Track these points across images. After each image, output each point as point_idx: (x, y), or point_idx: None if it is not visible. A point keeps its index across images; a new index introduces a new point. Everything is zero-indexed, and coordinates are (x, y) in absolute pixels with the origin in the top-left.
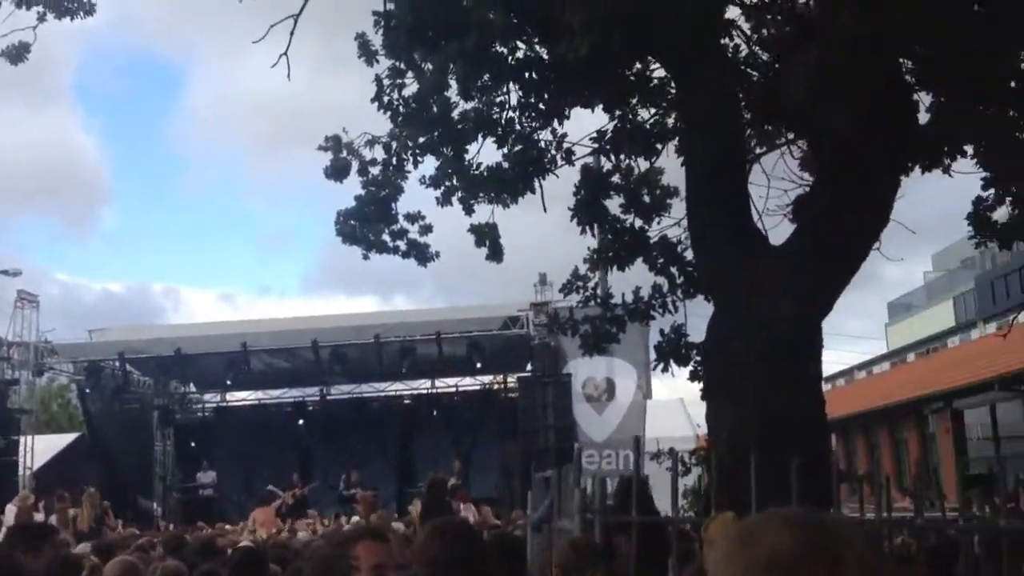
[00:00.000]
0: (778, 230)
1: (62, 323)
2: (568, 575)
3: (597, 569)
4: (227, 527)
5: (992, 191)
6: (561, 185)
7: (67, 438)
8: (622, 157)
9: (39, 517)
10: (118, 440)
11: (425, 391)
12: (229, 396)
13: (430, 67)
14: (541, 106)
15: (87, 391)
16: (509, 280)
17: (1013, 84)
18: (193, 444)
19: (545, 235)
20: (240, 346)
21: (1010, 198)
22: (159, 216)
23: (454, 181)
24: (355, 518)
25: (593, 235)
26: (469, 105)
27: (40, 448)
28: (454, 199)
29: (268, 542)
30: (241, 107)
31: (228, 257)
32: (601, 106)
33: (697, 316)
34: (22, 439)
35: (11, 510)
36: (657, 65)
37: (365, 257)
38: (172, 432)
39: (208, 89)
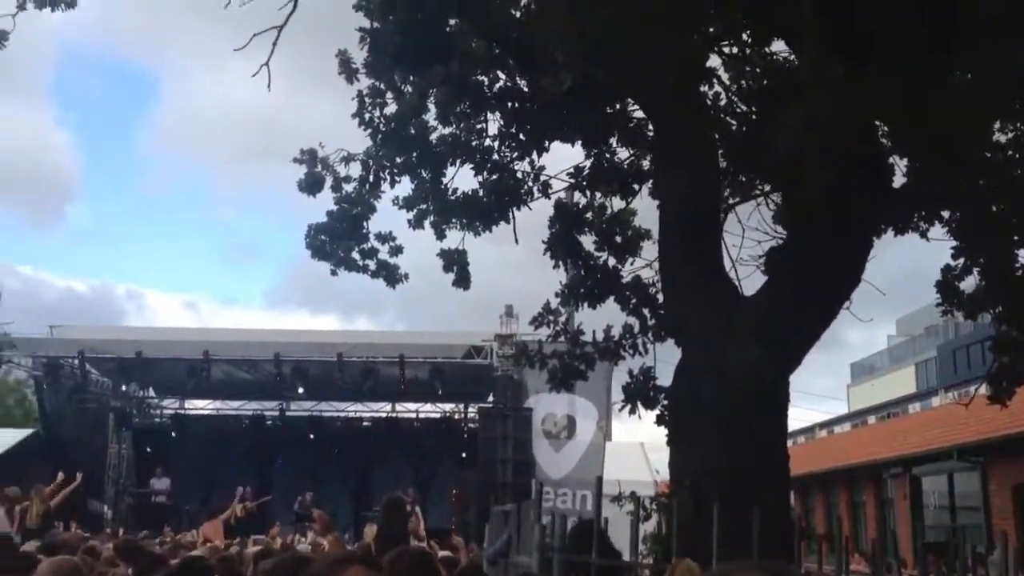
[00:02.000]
0: (750, 281)
1: (22, 317)
2: None
3: None
4: (177, 537)
5: (961, 260)
6: (534, 217)
7: (20, 433)
8: (598, 194)
9: None
10: (73, 439)
11: (385, 415)
12: (188, 404)
13: (410, 90)
14: (521, 136)
15: (44, 387)
16: (473, 309)
17: (987, 155)
18: (149, 449)
19: (513, 266)
20: (202, 354)
21: (978, 269)
22: (127, 218)
23: (428, 204)
24: (310, 535)
25: (566, 270)
26: (447, 130)
27: None
28: (426, 223)
29: (215, 556)
30: (216, 117)
31: (194, 264)
32: (580, 141)
33: (666, 361)
34: None
35: None
36: (637, 106)
37: (333, 273)
38: (129, 435)
39: (184, 98)
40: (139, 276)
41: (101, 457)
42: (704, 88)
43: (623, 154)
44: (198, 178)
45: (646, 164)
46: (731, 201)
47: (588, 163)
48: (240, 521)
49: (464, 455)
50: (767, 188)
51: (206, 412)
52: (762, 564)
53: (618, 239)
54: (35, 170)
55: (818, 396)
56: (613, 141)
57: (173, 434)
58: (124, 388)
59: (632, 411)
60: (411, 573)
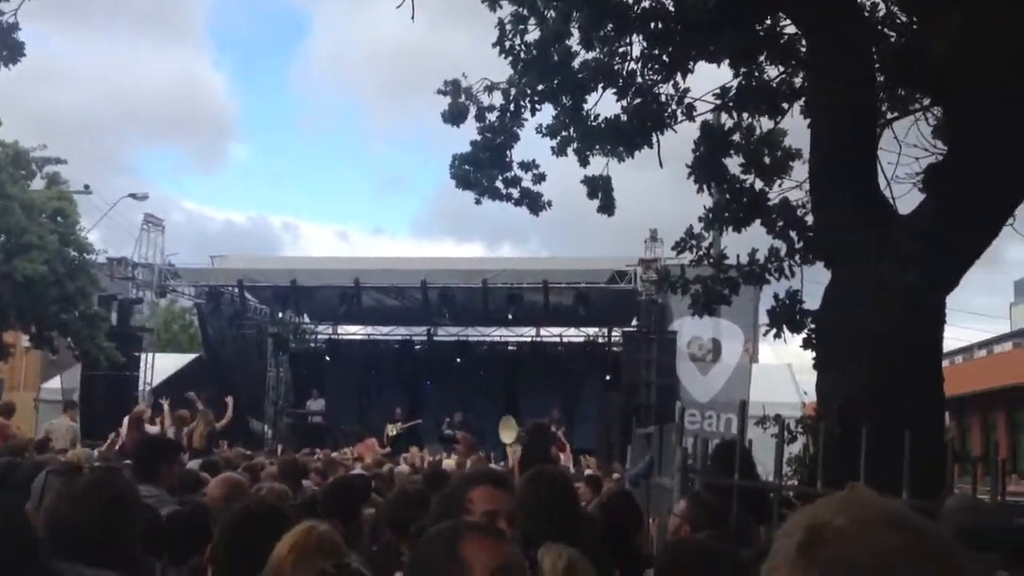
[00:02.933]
0: (906, 199)
1: (186, 249)
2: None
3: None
4: (334, 454)
5: None
6: (679, 140)
7: (186, 358)
8: (745, 115)
9: (153, 430)
10: (233, 363)
11: (530, 339)
12: (340, 329)
13: (552, 14)
14: (664, 59)
15: (206, 314)
16: (617, 235)
17: None
18: (305, 373)
19: (657, 191)
20: (352, 282)
21: None
22: (282, 153)
23: (571, 131)
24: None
25: (710, 194)
26: (590, 55)
27: (160, 366)
28: (569, 149)
29: (370, 473)
30: (362, 53)
31: (345, 196)
32: (727, 61)
33: (814, 283)
34: (143, 356)
35: (127, 423)
36: (787, 21)
37: (477, 202)
38: (286, 359)
39: (332, 35)
40: (294, 208)
41: (260, 380)
42: None
43: (772, 72)
44: (347, 113)
45: (797, 82)
46: (888, 116)
47: (735, 83)
48: (392, 441)
49: (608, 378)
50: (926, 102)
51: (358, 337)
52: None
53: (767, 160)
54: (196, 110)
55: (978, 315)
56: (762, 59)
57: (327, 358)
58: (280, 315)
59: (778, 335)
60: (548, 492)
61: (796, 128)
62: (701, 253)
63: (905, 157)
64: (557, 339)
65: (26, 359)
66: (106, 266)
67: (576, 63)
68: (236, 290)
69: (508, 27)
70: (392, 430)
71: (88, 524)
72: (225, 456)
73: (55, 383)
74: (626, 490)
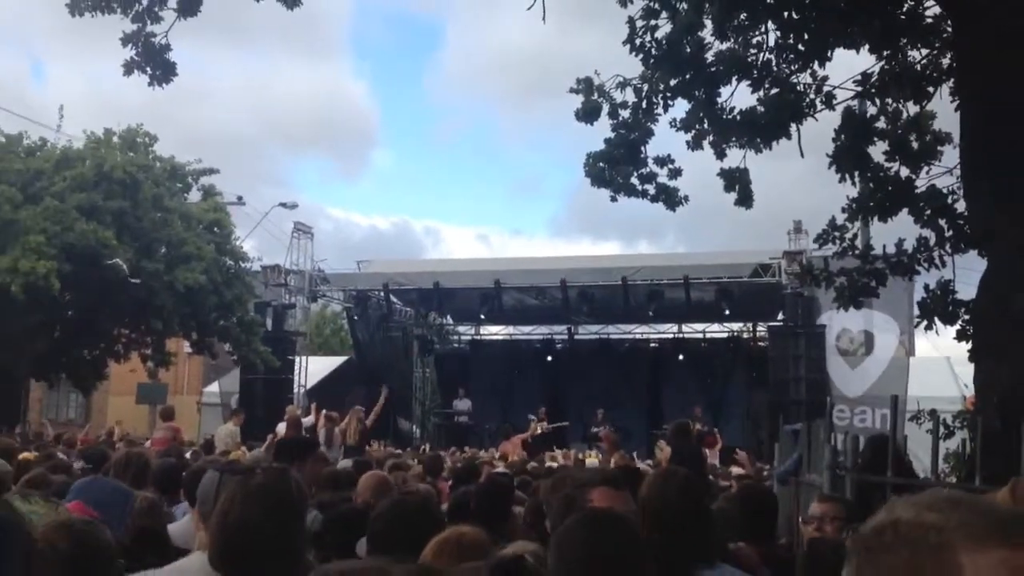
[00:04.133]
0: None
1: (333, 255)
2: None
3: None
4: (480, 453)
5: None
6: (817, 129)
7: (337, 360)
8: (888, 101)
9: (308, 423)
10: (382, 365)
11: (672, 335)
12: (483, 329)
13: (685, 6)
14: (800, 47)
15: (355, 318)
16: (756, 228)
17: None
18: (450, 373)
19: (800, 181)
20: (493, 283)
21: None
22: (422, 159)
23: (705, 125)
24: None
25: (853, 183)
26: (724, 46)
27: (313, 368)
28: (705, 143)
29: (514, 470)
30: (494, 58)
31: (483, 199)
32: (867, 46)
33: (966, 271)
34: (297, 359)
35: (282, 426)
36: (931, 2)
37: (613, 199)
38: (431, 360)
39: (466, 40)
40: (434, 212)
41: (408, 380)
42: None
43: (915, 55)
44: (482, 118)
45: (945, 62)
46: None
47: (877, 68)
48: (537, 439)
49: (754, 374)
50: None
51: (500, 337)
52: None
53: (914, 145)
54: (339, 120)
55: None
56: (904, 42)
57: (471, 358)
58: (425, 317)
59: (929, 327)
60: (677, 490)
61: (945, 110)
62: (845, 245)
63: None
64: (700, 335)
65: (189, 364)
66: (260, 274)
67: (709, 55)
68: (382, 294)
69: (639, 23)
70: (538, 428)
71: (259, 525)
72: (374, 455)
73: (215, 387)
74: (761, 485)
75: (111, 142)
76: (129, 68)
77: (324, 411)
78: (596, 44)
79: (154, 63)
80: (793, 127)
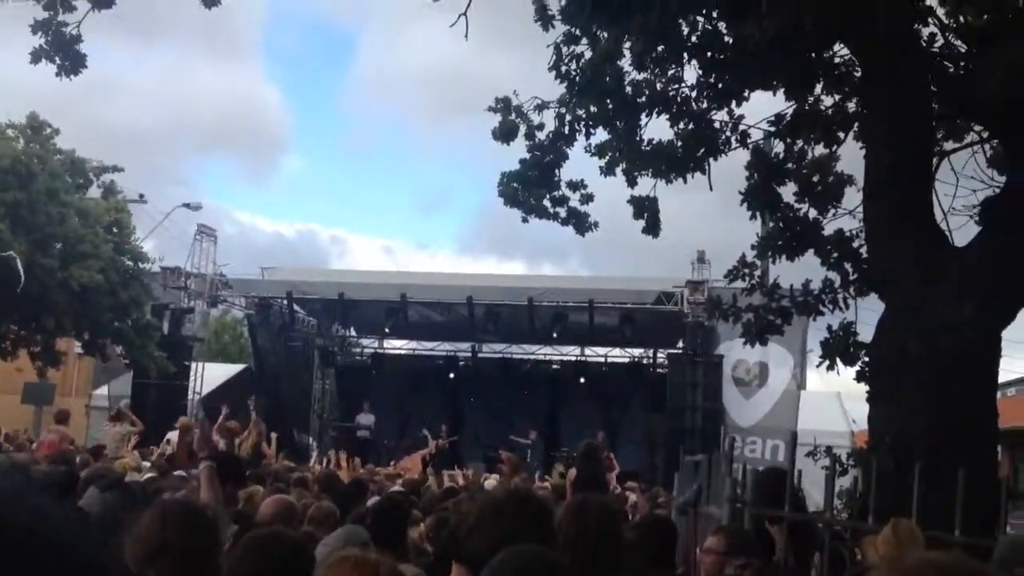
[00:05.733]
0: (963, 232)
1: (237, 260)
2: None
3: (752, 560)
4: (377, 469)
5: None
6: (728, 164)
7: (234, 368)
8: (799, 142)
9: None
10: (281, 375)
11: (574, 358)
12: (386, 343)
13: (605, 35)
14: (719, 86)
15: (256, 326)
16: (661, 256)
17: None
18: (350, 386)
19: (704, 213)
20: (399, 296)
21: None
22: (331, 167)
23: (618, 154)
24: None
25: (763, 221)
26: (641, 76)
27: (209, 375)
28: (618, 169)
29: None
30: (410, 72)
31: (392, 211)
32: (783, 89)
33: (869, 309)
34: (193, 365)
35: (173, 434)
36: (841, 47)
37: (524, 220)
38: (332, 373)
39: (382, 52)
40: (342, 221)
41: (307, 392)
42: (918, 27)
43: (827, 100)
44: (395, 130)
45: (851, 106)
46: (945, 147)
47: (789, 110)
48: (435, 457)
49: (653, 400)
50: (984, 134)
51: (403, 352)
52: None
53: (818, 187)
54: (249, 124)
55: None
56: (818, 88)
57: (373, 372)
58: (328, 328)
59: (831, 367)
60: (595, 523)
61: (849, 155)
62: (754, 282)
63: (962, 189)
64: (602, 359)
65: (78, 366)
66: (159, 275)
67: (628, 84)
68: (285, 302)
69: (563, 49)
70: (434, 447)
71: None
72: (273, 470)
73: (105, 390)
74: (663, 516)
75: (4, 132)
76: (37, 56)
77: (221, 420)
78: (515, 64)
79: (63, 53)
80: (707, 162)
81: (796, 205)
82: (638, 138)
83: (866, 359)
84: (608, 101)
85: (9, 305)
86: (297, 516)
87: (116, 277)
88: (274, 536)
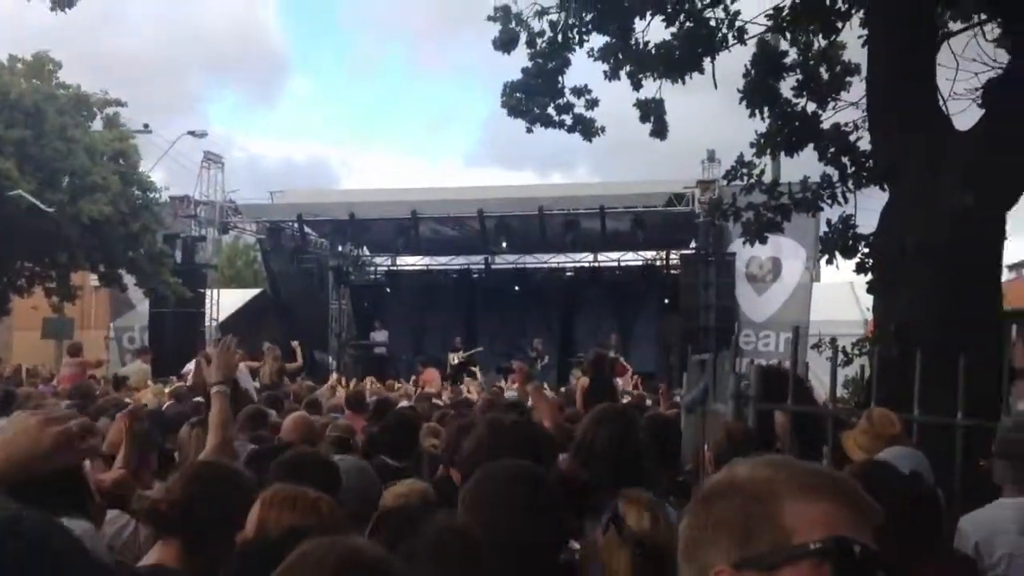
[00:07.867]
0: (964, 116)
1: (245, 186)
2: (722, 462)
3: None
4: (396, 384)
5: None
6: (735, 61)
7: (250, 293)
8: (799, 35)
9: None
10: (297, 297)
11: (587, 264)
12: (399, 260)
13: None
14: None
15: (269, 250)
16: (671, 158)
17: None
18: (366, 304)
19: (714, 113)
20: (409, 213)
21: None
22: (336, 87)
23: (620, 56)
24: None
25: (763, 118)
26: None
27: (225, 302)
28: (622, 73)
29: (429, 401)
30: None
31: (399, 128)
32: None
33: (866, 209)
34: (208, 292)
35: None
36: None
37: (529, 130)
38: (347, 292)
39: None
40: (349, 141)
41: (323, 313)
42: None
43: None
44: (399, 45)
45: None
46: (947, 29)
47: (788, 1)
48: (455, 371)
49: (666, 301)
50: (985, 15)
51: (416, 268)
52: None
53: (824, 76)
54: (253, 46)
55: None
56: None
57: (387, 289)
58: (340, 248)
59: (830, 261)
60: (619, 432)
61: (855, 43)
62: (753, 180)
63: (964, 72)
64: (615, 264)
65: (95, 299)
66: (169, 205)
67: None
68: (296, 225)
69: None
70: (454, 359)
71: None
72: (291, 389)
73: (123, 321)
74: (665, 415)
75: (15, 68)
76: None
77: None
78: None
79: None
80: (707, 60)
81: (794, 100)
82: (633, 41)
83: (866, 251)
84: (601, 4)
85: (21, 242)
86: (317, 434)
87: (126, 208)
88: (302, 457)
